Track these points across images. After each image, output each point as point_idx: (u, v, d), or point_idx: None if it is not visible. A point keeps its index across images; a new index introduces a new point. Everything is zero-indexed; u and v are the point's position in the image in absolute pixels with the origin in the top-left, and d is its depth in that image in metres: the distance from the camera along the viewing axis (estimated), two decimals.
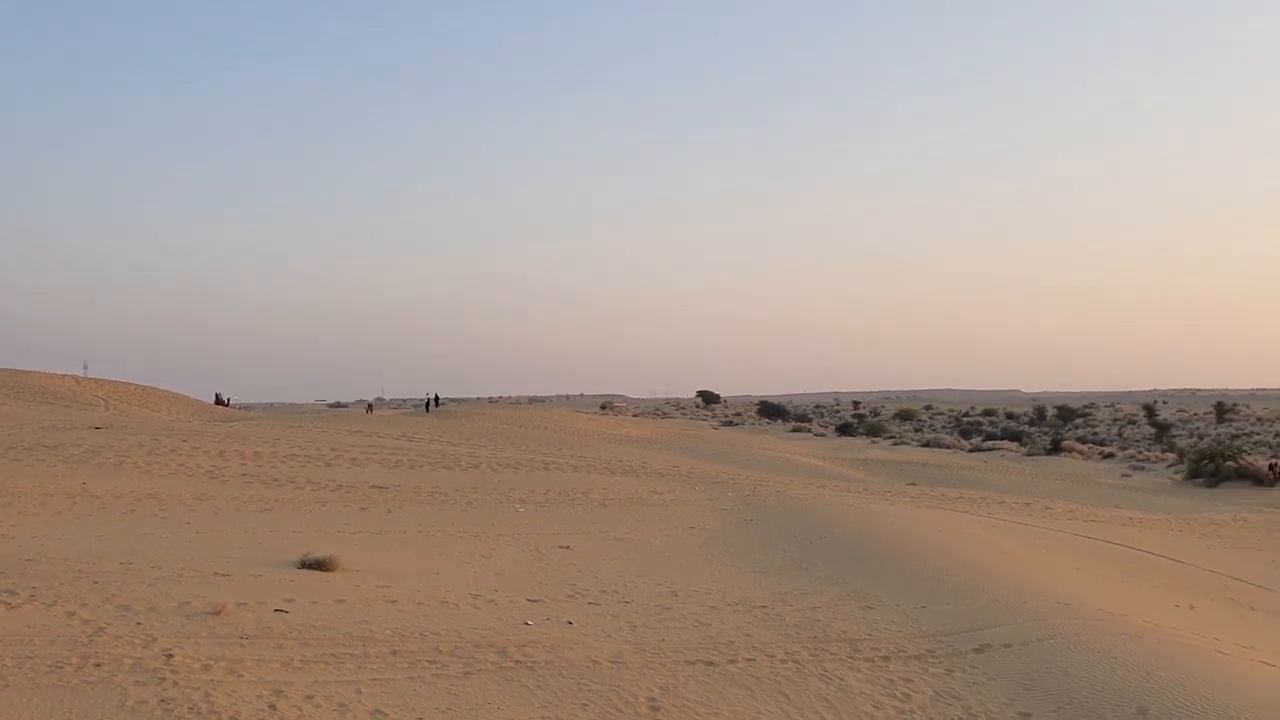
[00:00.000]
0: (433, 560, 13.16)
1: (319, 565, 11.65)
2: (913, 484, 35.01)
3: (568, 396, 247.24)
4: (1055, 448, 59.35)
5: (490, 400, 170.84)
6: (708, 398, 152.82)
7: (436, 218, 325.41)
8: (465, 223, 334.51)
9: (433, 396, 65.89)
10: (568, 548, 15.08)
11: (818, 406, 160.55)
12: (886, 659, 9.25)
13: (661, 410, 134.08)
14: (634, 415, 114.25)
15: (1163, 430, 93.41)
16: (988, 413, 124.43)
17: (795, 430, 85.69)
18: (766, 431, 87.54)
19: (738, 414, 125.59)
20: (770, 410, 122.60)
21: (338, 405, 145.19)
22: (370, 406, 75.19)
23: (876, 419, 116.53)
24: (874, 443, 69.75)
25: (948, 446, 63.87)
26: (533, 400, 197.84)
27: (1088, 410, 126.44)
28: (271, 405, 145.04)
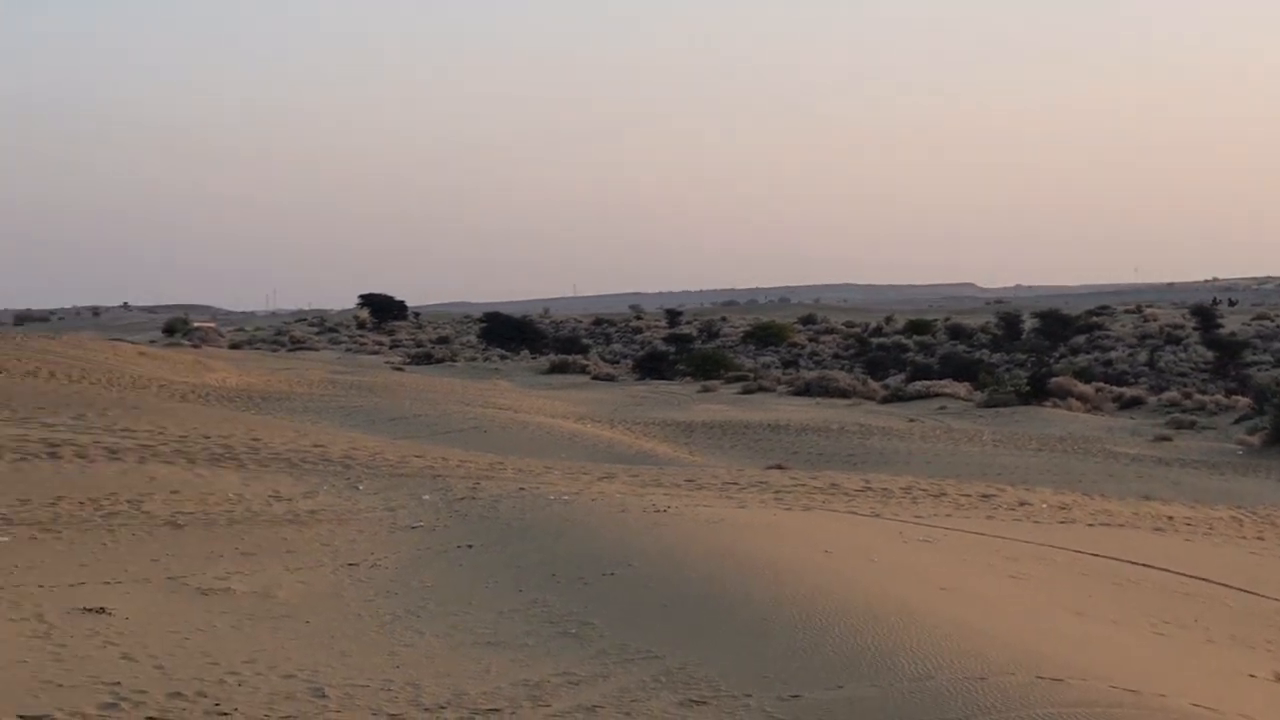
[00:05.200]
0: None
1: None
2: (779, 466, 35.89)
3: (96, 311, 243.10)
4: (1038, 391, 62.26)
5: None
6: (382, 309, 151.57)
7: None
8: None
9: None
10: (103, 611, 14.68)
11: (600, 322, 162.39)
12: None
13: (287, 335, 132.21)
14: (232, 346, 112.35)
15: (1229, 353, 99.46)
16: (917, 327, 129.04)
17: (556, 369, 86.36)
18: (500, 372, 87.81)
19: (442, 339, 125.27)
20: (506, 330, 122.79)
21: None
22: None
23: (713, 343, 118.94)
24: (706, 389, 71.23)
25: (844, 393, 66.07)
26: (24, 320, 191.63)
27: (1096, 318, 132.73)
28: None
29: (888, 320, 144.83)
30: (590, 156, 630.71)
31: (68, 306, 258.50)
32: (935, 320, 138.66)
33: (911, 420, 54.54)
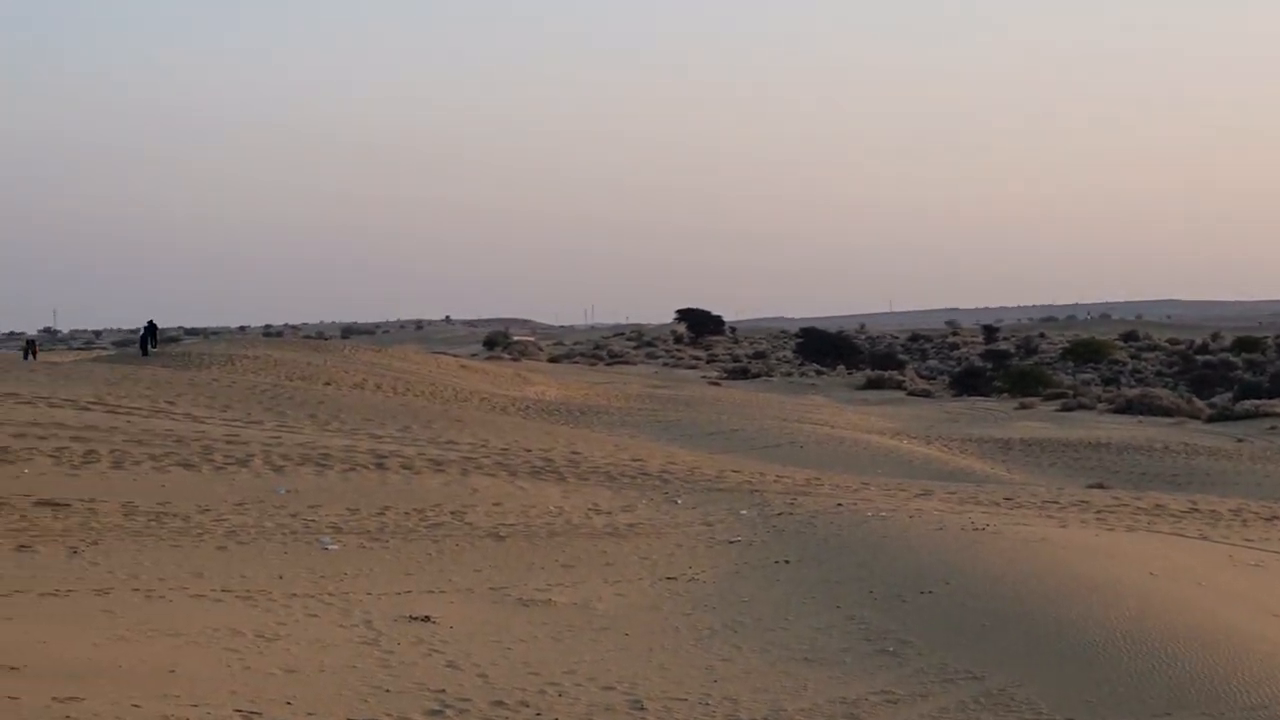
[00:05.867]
0: (160, 646, 13.01)
1: None
2: (1100, 485, 35.26)
3: (419, 324, 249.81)
4: None
5: (265, 332, 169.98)
6: (699, 323, 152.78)
7: None
8: None
9: (148, 328, 66.72)
10: (428, 619, 15.02)
11: (916, 337, 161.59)
12: None
13: (605, 349, 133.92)
14: (551, 360, 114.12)
15: None
16: (1245, 344, 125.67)
17: (872, 384, 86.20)
18: (815, 387, 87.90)
19: (759, 354, 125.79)
20: (822, 345, 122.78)
21: None
22: (31, 346, 74.53)
23: (1031, 360, 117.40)
24: (1024, 406, 70.35)
25: (1168, 412, 64.56)
26: (350, 333, 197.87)
27: None
28: None
29: (1214, 337, 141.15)
30: (906, 172, 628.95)
31: (392, 320, 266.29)
32: (1265, 337, 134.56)
33: (1240, 440, 53.14)
